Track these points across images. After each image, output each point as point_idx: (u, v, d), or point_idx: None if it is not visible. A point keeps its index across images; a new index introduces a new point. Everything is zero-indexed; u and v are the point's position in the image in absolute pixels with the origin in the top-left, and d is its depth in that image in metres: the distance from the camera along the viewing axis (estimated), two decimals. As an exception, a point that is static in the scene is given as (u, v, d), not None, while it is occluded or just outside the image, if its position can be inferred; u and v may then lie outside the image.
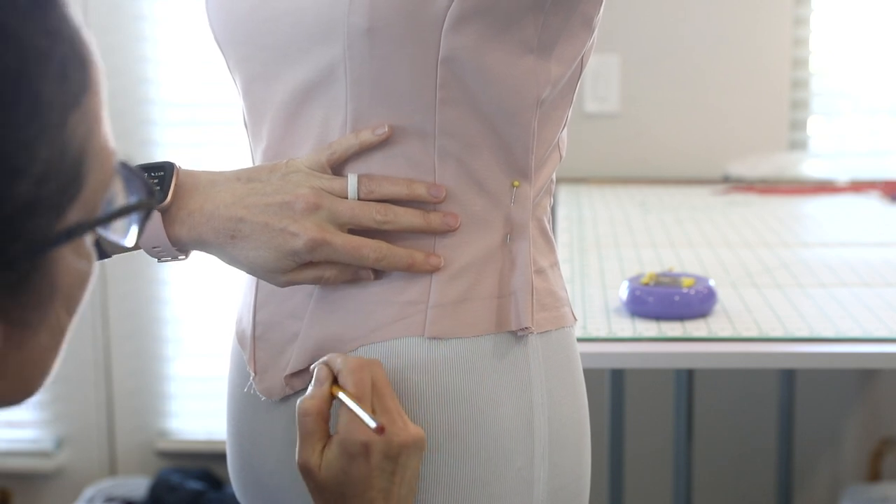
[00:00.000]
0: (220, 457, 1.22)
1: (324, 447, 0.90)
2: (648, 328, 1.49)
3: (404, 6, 0.89)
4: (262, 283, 1.01)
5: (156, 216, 0.92)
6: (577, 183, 2.58)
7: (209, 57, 1.15)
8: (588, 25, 0.97)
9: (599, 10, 0.97)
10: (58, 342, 0.62)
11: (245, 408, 1.04)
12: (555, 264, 1.02)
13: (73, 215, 0.58)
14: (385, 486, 0.89)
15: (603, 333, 1.47)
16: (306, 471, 0.90)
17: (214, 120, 2.72)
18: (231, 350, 1.08)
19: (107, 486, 2.74)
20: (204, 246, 0.94)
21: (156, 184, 0.92)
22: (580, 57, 0.98)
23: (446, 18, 0.89)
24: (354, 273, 0.95)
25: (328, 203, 0.93)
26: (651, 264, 1.82)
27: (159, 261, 0.96)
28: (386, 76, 0.91)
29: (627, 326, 1.50)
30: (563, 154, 1.03)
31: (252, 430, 1.04)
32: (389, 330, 0.95)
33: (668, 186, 2.59)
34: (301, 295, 0.98)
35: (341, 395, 0.90)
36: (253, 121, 1.01)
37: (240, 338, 1.05)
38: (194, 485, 2.67)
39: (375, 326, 0.95)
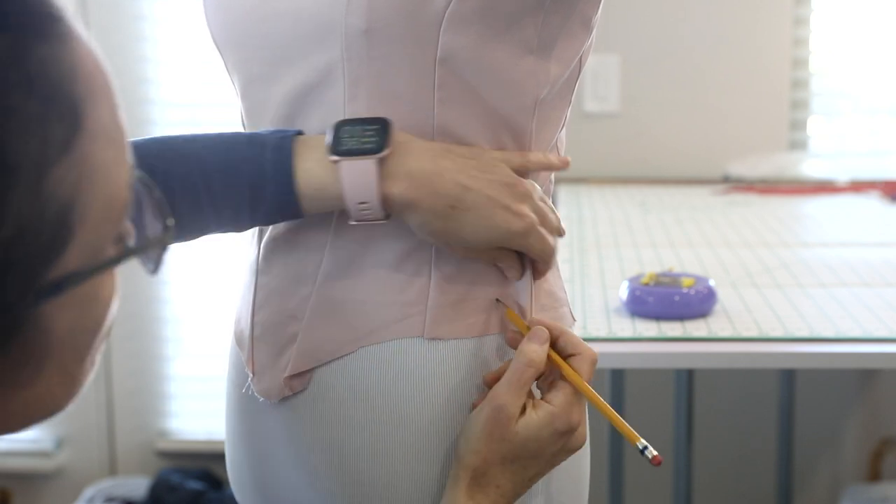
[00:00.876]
0: (220, 457, 1.22)
1: (525, 405, 0.91)
2: (648, 328, 1.49)
3: (402, 7, 0.89)
4: (262, 284, 1.01)
5: (371, 168, 0.88)
6: (577, 183, 2.58)
7: (209, 57, 1.15)
8: (587, 25, 0.97)
9: (598, 10, 0.97)
10: (64, 387, 0.59)
11: (243, 408, 1.04)
12: (553, 265, 1.02)
13: (67, 263, 0.55)
14: (545, 474, 0.92)
15: (603, 333, 1.47)
16: (502, 415, 0.90)
17: (214, 120, 2.72)
18: (229, 350, 1.08)
19: (107, 486, 2.74)
20: (413, 209, 0.90)
21: (371, 135, 0.89)
22: (579, 57, 0.98)
23: (444, 18, 0.89)
24: (520, 267, 0.96)
25: (535, 196, 0.94)
26: (651, 264, 1.82)
27: (356, 221, 0.91)
28: (384, 77, 0.91)
29: (627, 326, 1.50)
30: (562, 154, 1.03)
31: (251, 431, 1.04)
32: (389, 331, 0.95)
33: (668, 186, 2.59)
34: (300, 296, 0.98)
35: (574, 379, 0.92)
36: (251, 122, 1.01)
37: (238, 338, 1.05)
38: (194, 485, 2.67)
39: (375, 327, 0.95)
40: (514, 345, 0.94)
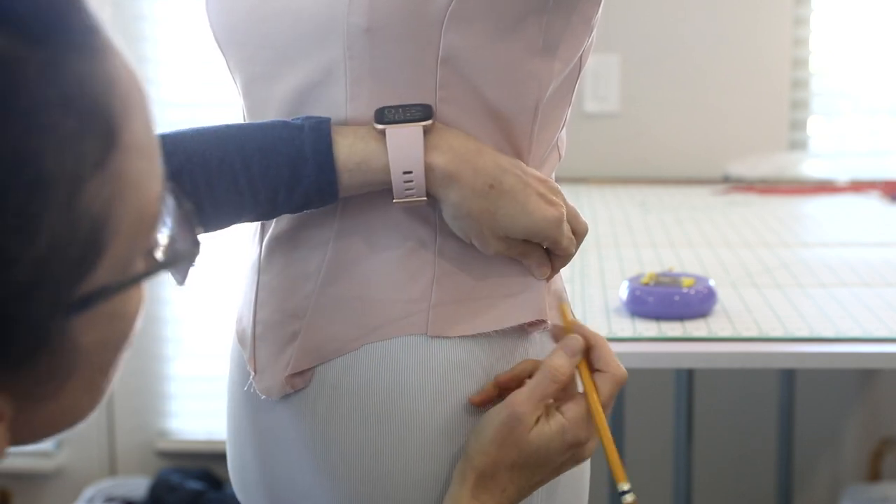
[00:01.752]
0: (220, 457, 1.23)
1: (541, 414, 0.92)
2: (648, 328, 1.49)
3: (404, 6, 0.89)
4: (263, 282, 1.01)
5: (417, 133, 0.90)
6: (577, 183, 2.58)
7: (209, 57, 1.15)
8: (587, 24, 0.97)
9: (598, 9, 0.97)
10: (88, 397, 0.59)
11: (245, 407, 1.04)
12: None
13: (97, 279, 0.54)
14: (549, 480, 0.93)
15: (603, 333, 1.46)
16: (518, 424, 0.90)
17: (214, 120, 2.72)
18: (231, 349, 1.08)
19: (107, 486, 2.74)
20: (453, 183, 0.91)
21: (416, 110, 0.90)
22: (579, 55, 0.98)
23: (446, 18, 0.89)
24: (549, 265, 0.97)
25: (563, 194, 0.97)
26: (651, 264, 1.82)
27: (398, 199, 0.91)
28: (386, 76, 0.91)
29: (627, 326, 1.50)
30: (563, 154, 1.03)
31: (252, 429, 1.04)
32: (392, 328, 0.95)
33: (668, 186, 2.59)
34: (302, 294, 0.98)
35: (591, 398, 0.93)
36: (253, 120, 1.01)
37: (240, 337, 1.05)
38: (194, 485, 2.67)
39: (377, 325, 0.95)
40: (556, 339, 0.96)
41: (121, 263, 0.55)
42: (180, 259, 0.60)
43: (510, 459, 0.90)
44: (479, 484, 0.90)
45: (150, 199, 0.57)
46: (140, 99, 0.57)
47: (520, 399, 0.91)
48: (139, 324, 0.59)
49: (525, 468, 0.91)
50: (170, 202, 0.60)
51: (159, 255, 0.59)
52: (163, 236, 0.59)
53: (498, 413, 0.91)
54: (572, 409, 0.92)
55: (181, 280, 0.61)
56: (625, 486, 0.92)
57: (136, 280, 0.57)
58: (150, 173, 0.57)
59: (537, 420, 0.91)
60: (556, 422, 0.91)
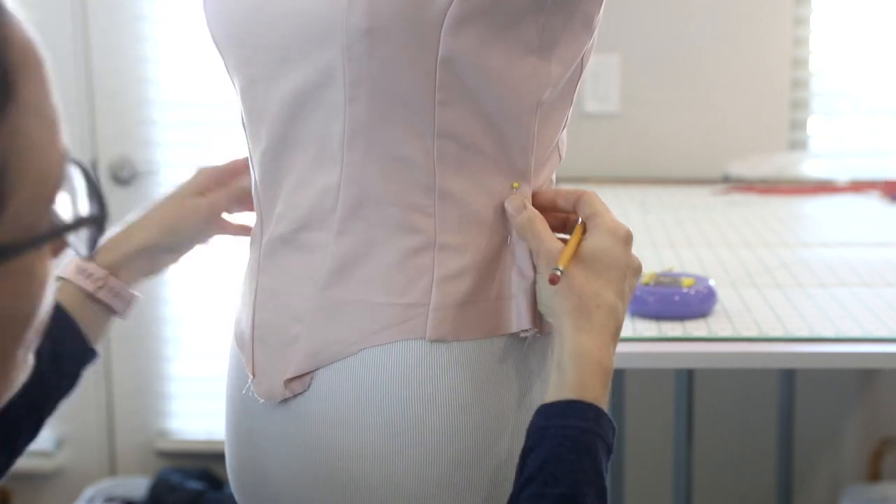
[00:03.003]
0: (220, 457, 1.23)
1: (580, 235, 0.95)
2: (648, 328, 1.49)
3: (403, 7, 0.88)
4: (262, 284, 1.01)
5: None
6: (577, 183, 2.58)
7: (209, 57, 1.15)
8: (589, 25, 0.96)
9: (600, 10, 0.97)
10: None
11: (244, 410, 1.04)
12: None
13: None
14: (631, 285, 0.96)
15: (603, 333, 1.47)
16: (550, 255, 0.93)
17: (214, 120, 2.72)
18: (229, 351, 1.08)
19: (107, 486, 2.74)
20: None
21: None
22: (580, 57, 0.98)
23: (445, 19, 0.89)
24: None
25: None
26: (651, 264, 1.81)
27: None
28: (385, 78, 0.91)
29: (627, 326, 1.50)
30: (563, 155, 1.03)
31: (251, 433, 1.04)
32: (391, 332, 0.94)
33: (668, 186, 2.59)
34: (302, 297, 0.97)
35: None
36: (251, 122, 1.01)
37: (238, 339, 1.04)
38: (194, 485, 2.67)
39: (377, 329, 0.95)
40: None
41: (23, 225, 0.56)
42: (84, 224, 0.60)
43: (580, 272, 0.93)
44: (576, 317, 0.92)
45: (50, 163, 0.57)
46: (38, 64, 0.57)
47: (536, 257, 0.94)
48: (47, 304, 0.59)
49: (594, 268, 0.93)
50: (75, 170, 0.60)
51: (63, 219, 0.59)
52: (66, 202, 0.59)
53: (539, 279, 0.94)
54: (597, 223, 0.95)
55: (88, 250, 0.61)
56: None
57: (39, 240, 0.57)
58: (49, 138, 0.57)
59: (583, 237, 0.95)
60: (597, 226, 0.95)
